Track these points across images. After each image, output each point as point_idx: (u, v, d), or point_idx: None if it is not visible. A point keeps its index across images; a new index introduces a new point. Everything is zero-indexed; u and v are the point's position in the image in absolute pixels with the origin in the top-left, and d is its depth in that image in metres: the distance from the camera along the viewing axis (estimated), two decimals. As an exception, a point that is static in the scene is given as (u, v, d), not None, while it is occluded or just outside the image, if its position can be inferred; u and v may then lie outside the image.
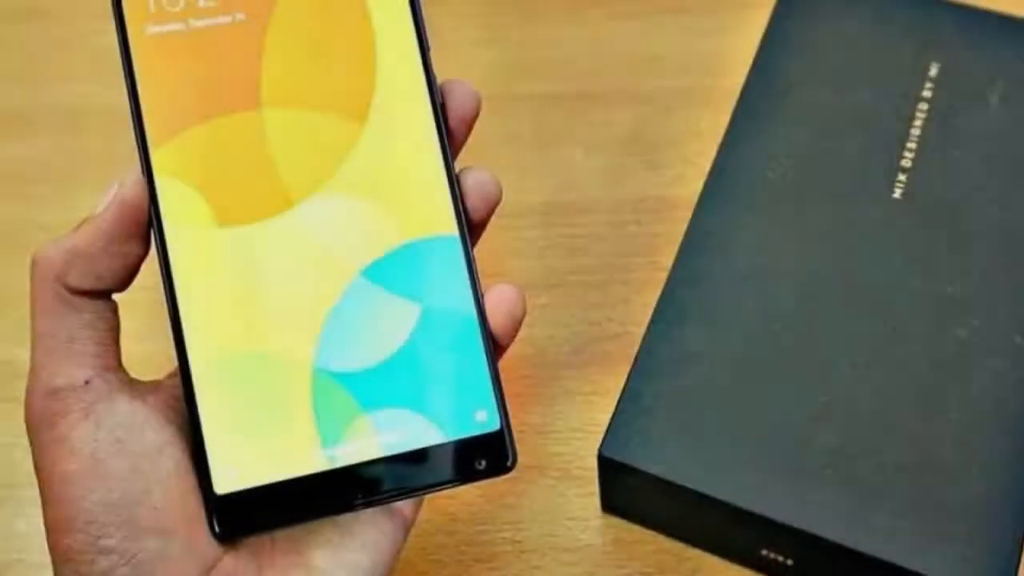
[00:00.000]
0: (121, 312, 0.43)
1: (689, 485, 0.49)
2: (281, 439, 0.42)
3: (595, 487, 0.54)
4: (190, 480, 0.42)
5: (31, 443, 0.41)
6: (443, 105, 0.45)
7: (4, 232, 0.65)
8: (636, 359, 0.52)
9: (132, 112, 0.43)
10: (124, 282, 0.43)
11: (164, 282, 0.43)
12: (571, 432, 0.57)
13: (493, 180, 0.45)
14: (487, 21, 0.69)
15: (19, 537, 0.56)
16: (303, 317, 0.43)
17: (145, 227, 0.43)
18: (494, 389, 0.43)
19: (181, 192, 0.43)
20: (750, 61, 0.58)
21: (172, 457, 0.41)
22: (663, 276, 0.54)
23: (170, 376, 0.44)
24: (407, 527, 0.45)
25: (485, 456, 0.43)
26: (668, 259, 0.54)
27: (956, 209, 0.53)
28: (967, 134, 0.55)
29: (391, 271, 0.44)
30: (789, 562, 0.50)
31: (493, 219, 0.46)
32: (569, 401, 0.58)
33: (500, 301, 0.44)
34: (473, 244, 0.45)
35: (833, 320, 0.51)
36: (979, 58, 0.57)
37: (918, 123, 0.56)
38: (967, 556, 0.47)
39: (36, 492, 0.41)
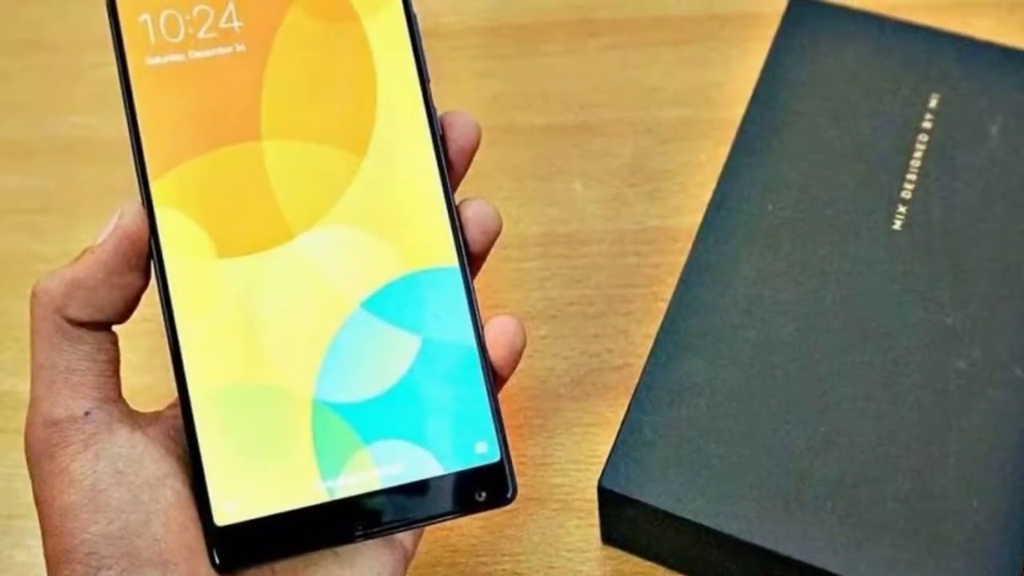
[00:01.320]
0: (121, 344, 0.43)
1: (689, 517, 0.49)
2: (281, 470, 0.42)
3: (595, 519, 0.54)
4: (190, 511, 0.42)
5: (31, 474, 0.41)
6: (443, 136, 0.45)
7: (4, 263, 0.65)
8: (636, 390, 0.51)
9: (132, 143, 0.44)
10: (124, 313, 0.43)
11: (164, 314, 0.43)
12: (571, 464, 0.57)
13: (493, 211, 0.45)
14: (487, 52, 0.69)
15: (19, 568, 0.56)
16: (303, 349, 0.43)
17: (145, 258, 0.43)
18: (494, 421, 0.43)
19: (181, 223, 0.43)
20: (750, 92, 0.58)
21: (172, 488, 0.41)
22: (663, 307, 0.54)
23: (170, 407, 0.44)
24: (407, 559, 0.45)
25: (485, 488, 0.43)
26: (668, 290, 0.54)
27: (956, 240, 0.53)
28: (967, 166, 0.55)
29: (391, 303, 0.44)
30: (790, 594, 0.50)
31: (493, 250, 0.46)
32: (569, 433, 0.58)
33: (500, 332, 0.44)
34: (473, 275, 0.45)
35: (833, 352, 0.51)
36: (979, 90, 0.57)
37: (918, 155, 0.56)
38: (969, 588, 0.47)
39: (36, 523, 0.41)
